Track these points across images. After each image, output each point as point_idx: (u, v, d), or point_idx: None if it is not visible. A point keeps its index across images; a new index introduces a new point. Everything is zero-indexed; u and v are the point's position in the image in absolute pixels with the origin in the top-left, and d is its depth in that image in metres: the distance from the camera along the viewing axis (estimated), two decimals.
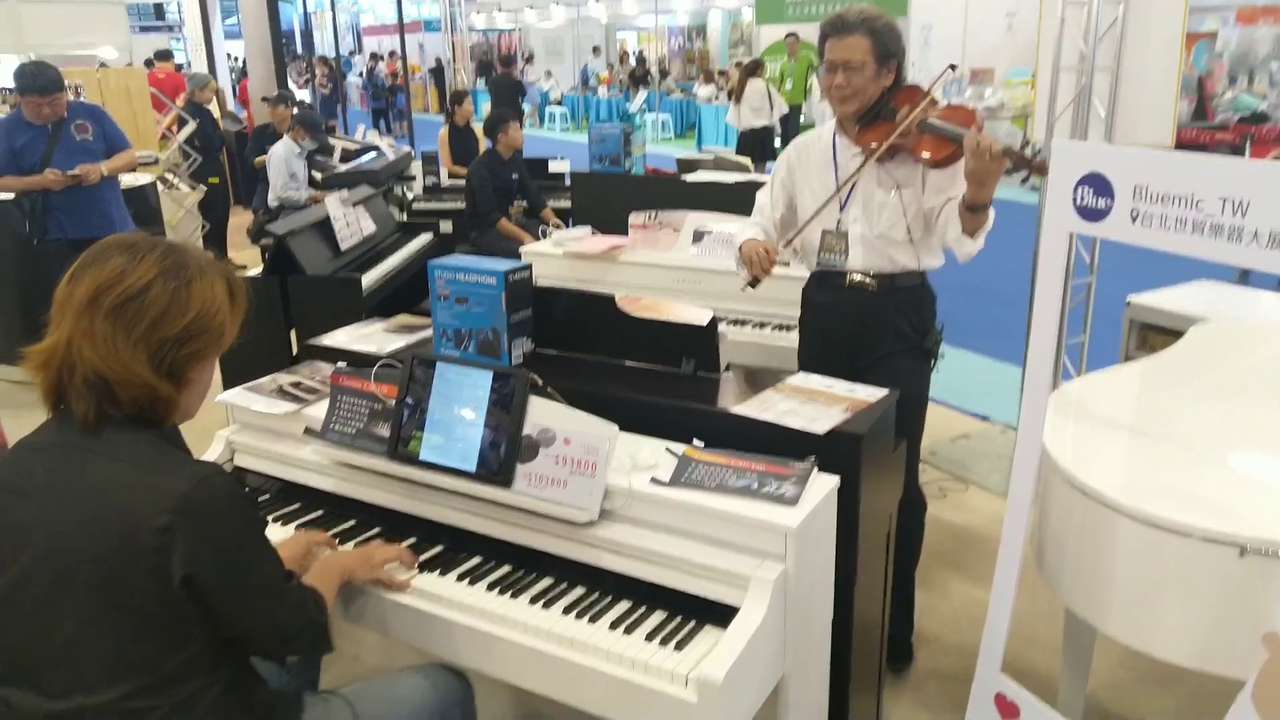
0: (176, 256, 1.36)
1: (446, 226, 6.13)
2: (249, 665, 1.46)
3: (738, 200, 3.82)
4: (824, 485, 1.70)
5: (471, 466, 1.81)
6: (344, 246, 4.31)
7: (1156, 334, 3.24)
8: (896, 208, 2.32)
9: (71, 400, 1.31)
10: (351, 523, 1.98)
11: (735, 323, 3.25)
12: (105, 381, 1.30)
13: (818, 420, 1.84)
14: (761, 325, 3.22)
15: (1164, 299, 3.21)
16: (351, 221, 4.43)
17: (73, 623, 1.27)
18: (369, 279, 4.10)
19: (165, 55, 10.22)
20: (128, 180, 5.38)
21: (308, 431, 2.03)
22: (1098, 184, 1.49)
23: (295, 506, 2.05)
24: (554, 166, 6.77)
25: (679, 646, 1.56)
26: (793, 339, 3.07)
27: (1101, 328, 3.88)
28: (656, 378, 2.10)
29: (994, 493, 3.61)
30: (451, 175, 7.01)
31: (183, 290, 1.33)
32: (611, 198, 4.51)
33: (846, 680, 1.94)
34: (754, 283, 2.43)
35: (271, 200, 6.38)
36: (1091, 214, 1.50)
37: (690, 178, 4.41)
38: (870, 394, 1.97)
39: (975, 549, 3.26)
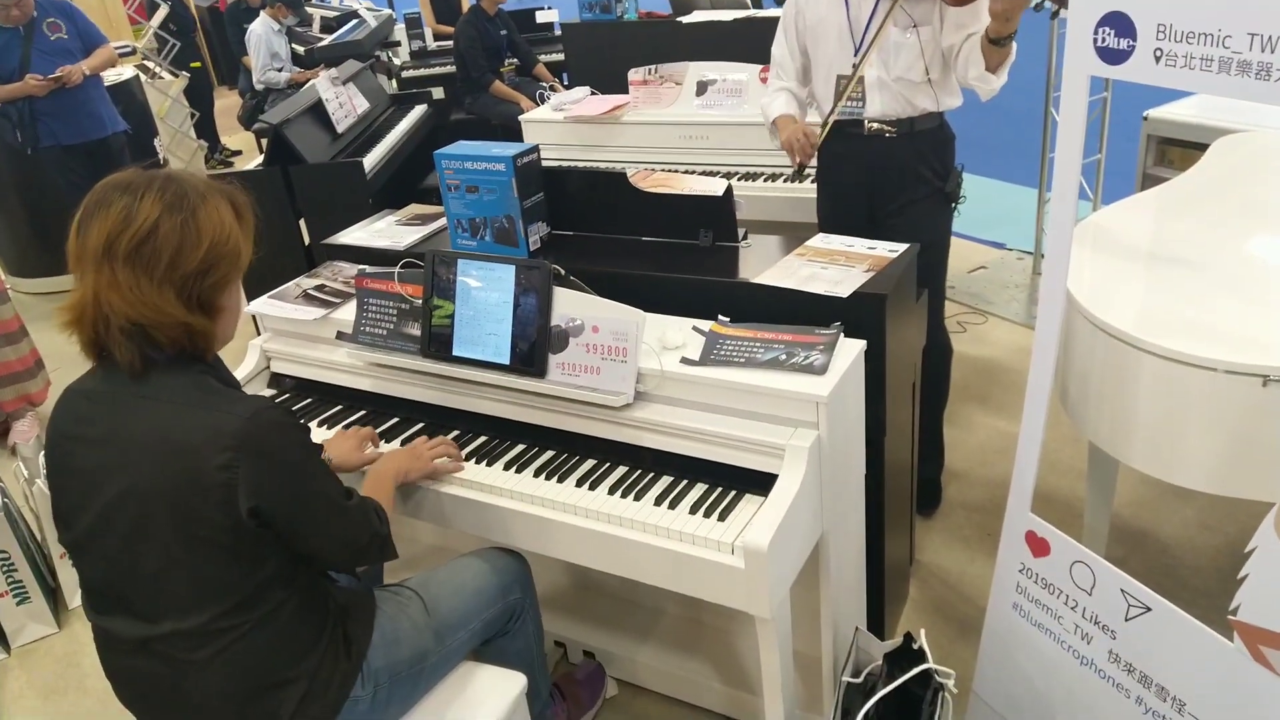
0: (176, 188, 1.35)
1: (439, 93, 5.97)
2: (322, 572, 1.56)
3: (739, 40, 3.70)
4: (851, 350, 1.74)
5: (505, 359, 1.85)
6: (340, 129, 4.22)
7: (1176, 148, 3.18)
8: (914, 48, 2.24)
9: (114, 350, 1.34)
10: (395, 420, 2.04)
11: (747, 176, 3.21)
12: (141, 327, 1.32)
13: (840, 283, 1.85)
14: (774, 177, 3.18)
15: (1183, 110, 3.12)
16: (344, 101, 4.32)
17: (155, 557, 1.34)
18: (370, 160, 4.04)
19: None
20: (111, 76, 5.23)
21: (340, 336, 2.07)
22: (1119, 24, 1.43)
23: (338, 408, 2.11)
24: (541, 16, 6.50)
25: (722, 517, 1.64)
26: (808, 189, 3.04)
27: (1117, 143, 3.80)
28: (675, 252, 2.10)
29: (1014, 322, 3.64)
30: (438, 37, 6.75)
31: (190, 221, 1.33)
32: (606, 48, 4.37)
33: (881, 528, 2.04)
34: (799, 170, 2.42)
35: (256, 83, 6.20)
36: (1113, 55, 1.46)
37: (687, 20, 4.24)
38: (891, 250, 1.97)
39: (998, 381, 3.32)
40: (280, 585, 1.41)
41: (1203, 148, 2.59)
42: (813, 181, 2.78)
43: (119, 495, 1.34)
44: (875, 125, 2.36)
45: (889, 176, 2.37)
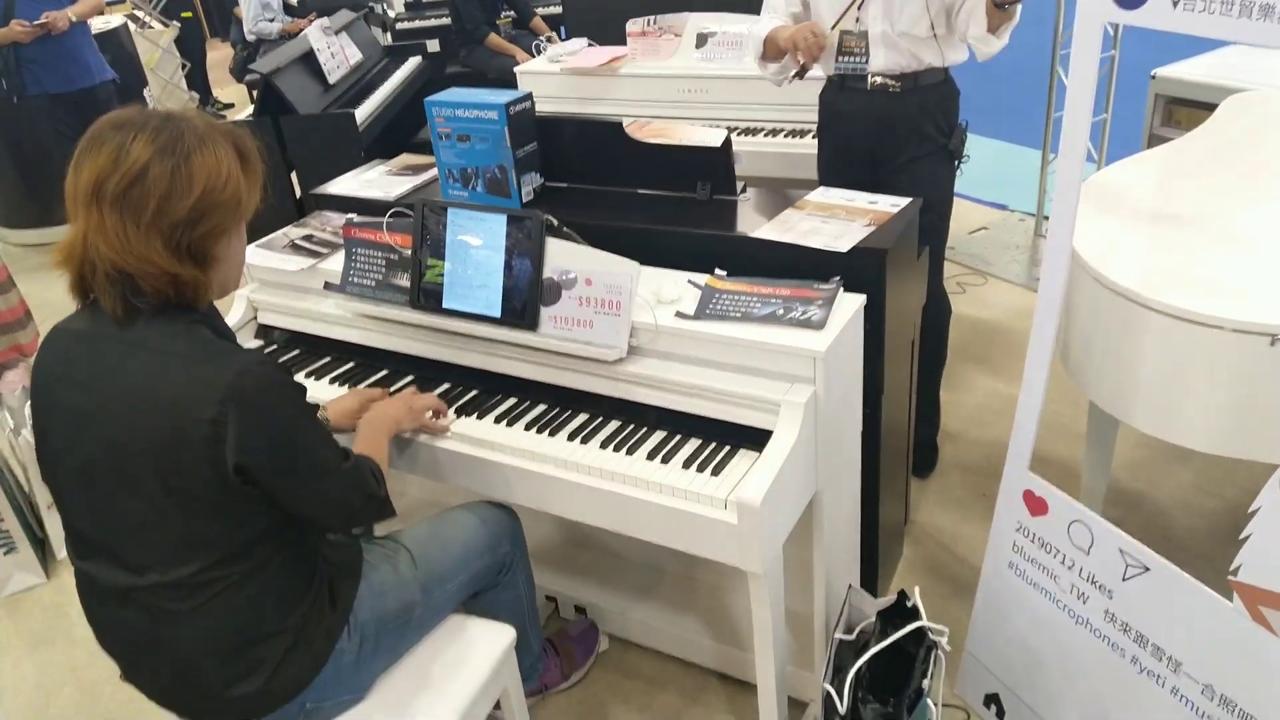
0: (171, 130, 1.29)
1: (433, 46, 5.86)
2: (314, 531, 1.52)
3: None
4: (850, 305, 1.70)
5: (496, 312, 1.81)
6: (332, 79, 4.14)
7: (1184, 108, 3.11)
8: (919, 2, 2.18)
9: (99, 295, 1.30)
10: (384, 372, 2.01)
11: (747, 131, 3.14)
12: (127, 275, 1.28)
13: (840, 238, 1.81)
14: (774, 132, 3.11)
15: (1193, 69, 3.06)
16: (336, 51, 4.24)
17: (141, 506, 1.31)
18: (362, 112, 3.97)
19: None
20: (99, 24, 5.12)
21: (327, 286, 2.02)
22: None
23: (326, 360, 2.07)
24: None
25: (715, 472, 1.61)
26: (808, 145, 2.98)
27: (1123, 105, 3.74)
28: (672, 205, 2.06)
29: (1014, 284, 3.61)
30: None
31: (182, 167, 1.27)
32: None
33: (876, 487, 2.02)
34: (802, 71, 2.29)
35: (248, 34, 6.08)
36: (1128, 0, 1.40)
37: None
38: (892, 204, 1.92)
39: (997, 342, 3.29)
40: (269, 541, 1.39)
41: (1211, 108, 2.53)
42: (813, 137, 2.73)
43: (103, 444, 1.31)
44: (879, 80, 2.30)
45: (892, 132, 2.32)
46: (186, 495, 1.30)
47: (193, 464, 1.28)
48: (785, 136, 3.08)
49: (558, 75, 3.52)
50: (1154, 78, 3.09)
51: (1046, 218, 3.93)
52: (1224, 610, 1.43)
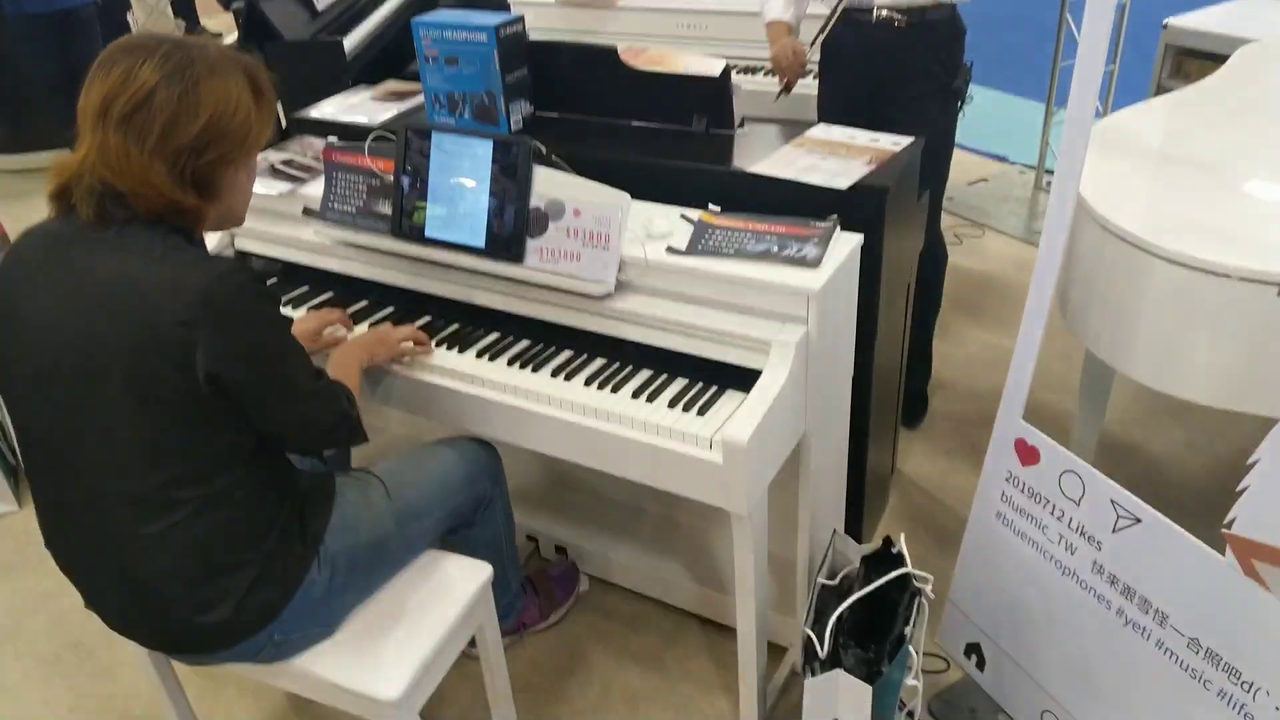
0: (182, 55, 1.25)
1: None
2: (284, 454, 1.48)
3: None
4: (847, 244, 1.64)
5: (480, 242, 1.75)
6: (320, 4, 4.00)
7: (1195, 60, 3.03)
8: None
9: (78, 202, 1.27)
10: (363, 303, 1.95)
11: (746, 70, 3.05)
12: (116, 192, 1.25)
13: (840, 175, 1.74)
14: (773, 72, 3.01)
15: (1207, 19, 2.97)
16: None
17: (103, 411, 1.26)
18: (351, 42, 3.82)
19: None
20: None
21: (306, 212, 1.95)
22: None
23: (303, 289, 2.01)
24: None
25: (701, 411, 1.57)
26: (807, 86, 2.89)
27: (1131, 58, 3.65)
28: (666, 138, 1.98)
29: (1011, 236, 3.55)
30: None
31: (190, 93, 1.24)
32: None
33: (865, 434, 1.98)
34: (788, 89, 2.36)
35: None
36: None
37: None
38: (894, 143, 1.86)
39: (992, 295, 3.25)
40: (238, 461, 1.34)
41: (1222, 59, 2.46)
42: (813, 78, 2.64)
43: (69, 341, 1.26)
44: (885, 13, 2.22)
45: (896, 69, 2.24)
46: (154, 401, 1.25)
47: (162, 368, 1.23)
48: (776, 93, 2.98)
49: (553, 7, 3.41)
50: (1166, 27, 3.00)
51: (1049, 171, 3.86)
52: (1216, 564, 1.40)
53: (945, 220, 3.64)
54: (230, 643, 1.40)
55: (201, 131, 1.25)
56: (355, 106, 2.29)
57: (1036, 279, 1.61)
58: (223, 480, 1.33)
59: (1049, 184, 3.86)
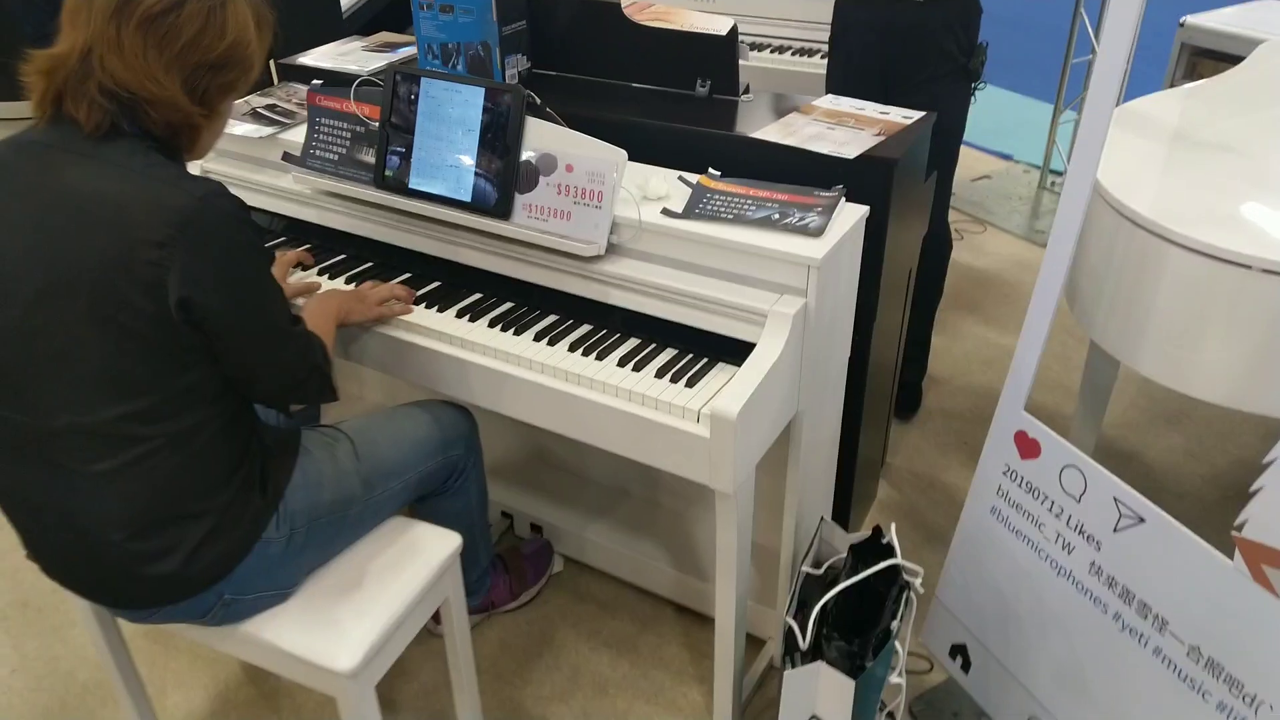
0: None
1: None
2: (250, 405, 1.39)
3: None
4: (852, 215, 1.56)
5: (466, 196, 1.66)
6: None
7: (1210, 60, 2.97)
8: None
9: (77, 107, 1.17)
10: (342, 257, 1.86)
11: (753, 47, 2.97)
12: (134, 97, 1.17)
13: (847, 145, 1.66)
14: (782, 49, 2.94)
15: (1224, 19, 2.90)
16: None
17: (63, 334, 1.17)
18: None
19: None
20: None
21: (286, 157, 1.86)
22: None
23: (280, 241, 1.92)
24: None
25: (690, 383, 1.49)
26: (817, 65, 2.82)
27: (1143, 60, 3.58)
28: (668, 101, 1.90)
29: (1014, 235, 3.48)
30: None
31: (219, 11, 1.20)
32: None
33: (858, 419, 1.90)
34: None
35: None
36: None
37: None
38: (905, 116, 1.78)
39: (991, 291, 3.17)
40: (202, 401, 1.25)
41: (1237, 60, 2.40)
42: (823, 57, 2.57)
43: (35, 256, 1.16)
44: None
45: (912, 46, 2.16)
46: (118, 326, 1.16)
47: (130, 290, 1.15)
48: (793, 54, 2.90)
49: None
50: (1183, 25, 2.93)
51: (1054, 171, 3.79)
52: (1223, 568, 1.33)
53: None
54: (176, 598, 1.31)
55: (224, 52, 1.21)
56: (346, 55, 2.19)
57: (1049, 258, 1.53)
58: (183, 421, 1.24)
59: (1054, 184, 3.79)
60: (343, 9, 3.58)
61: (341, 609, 1.42)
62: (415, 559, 1.50)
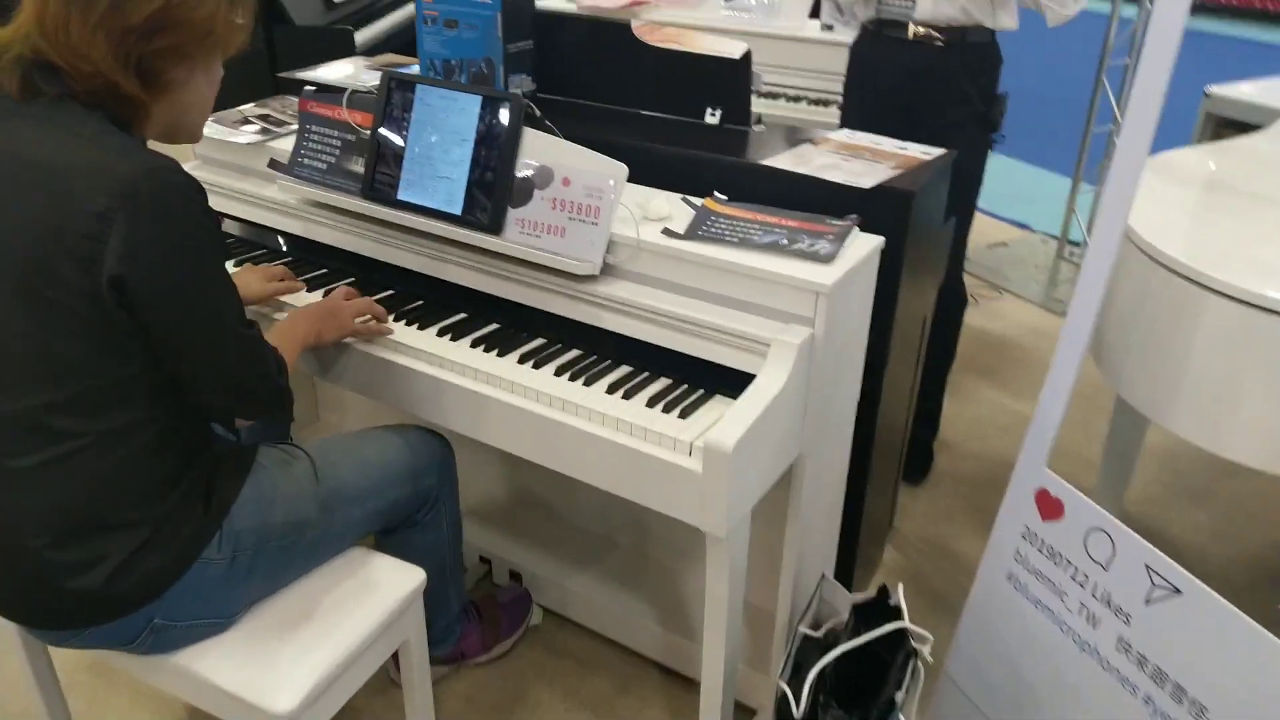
0: None
1: None
2: (196, 411, 1.26)
3: None
4: (865, 245, 1.46)
5: (456, 209, 1.56)
6: None
7: (1234, 130, 2.90)
8: None
9: (1, 76, 1.11)
10: (323, 270, 1.76)
11: (768, 95, 2.91)
12: (49, 64, 1.09)
13: (863, 176, 1.57)
14: (796, 99, 2.88)
15: (1250, 91, 2.84)
16: None
17: None
18: (364, 35, 3.72)
19: None
20: None
21: (273, 164, 1.77)
22: None
23: (260, 252, 1.82)
24: None
25: (684, 414, 1.37)
26: (831, 115, 2.76)
27: (1165, 131, 3.52)
28: (676, 128, 1.81)
29: (1031, 302, 3.37)
30: None
31: None
32: None
33: (866, 474, 1.77)
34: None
35: None
36: None
37: None
38: (924, 152, 1.69)
39: (1006, 357, 3.06)
40: (141, 396, 1.13)
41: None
42: (838, 108, 2.50)
43: None
44: (922, 30, 2.07)
45: (930, 90, 2.09)
46: (48, 303, 1.06)
47: (62, 263, 1.04)
48: (808, 104, 2.85)
49: (574, 13, 3.28)
50: (1208, 95, 2.87)
51: (1072, 242, 3.71)
52: (1271, 649, 1.18)
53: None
54: (100, 619, 1.18)
55: (155, 14, 1.10)
56: (348, 75, 2.13)
57: (1075, 303, 1.42)
58: (119, 417, 1.12)
59: (1072, 254, 3.71)
60: (356, 45, 3.56)
61: (285, 644, 1.28)
62: (373, 594, 1.37)
